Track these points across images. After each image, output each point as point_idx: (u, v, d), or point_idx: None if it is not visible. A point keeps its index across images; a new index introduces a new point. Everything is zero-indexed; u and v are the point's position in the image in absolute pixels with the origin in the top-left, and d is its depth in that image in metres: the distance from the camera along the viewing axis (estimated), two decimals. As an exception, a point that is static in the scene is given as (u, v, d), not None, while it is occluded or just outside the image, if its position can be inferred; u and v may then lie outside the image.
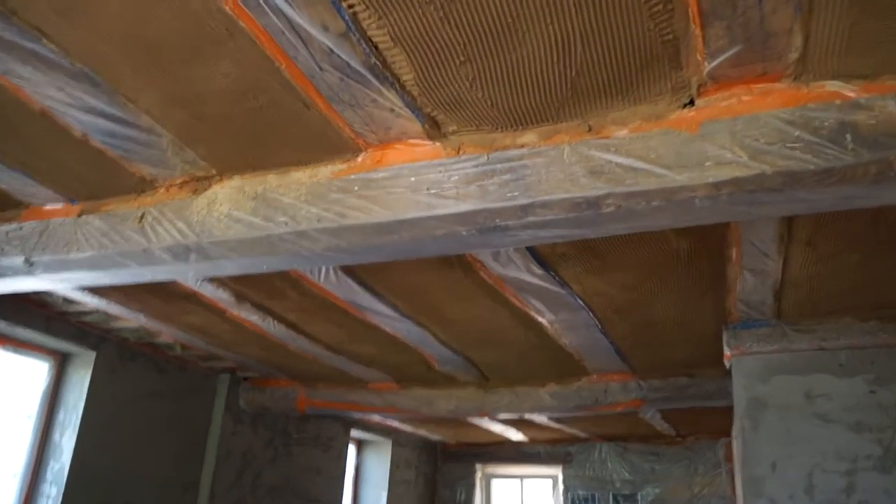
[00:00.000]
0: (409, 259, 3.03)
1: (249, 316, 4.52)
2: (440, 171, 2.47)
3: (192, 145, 2.65)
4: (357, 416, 7.75)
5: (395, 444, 9.46)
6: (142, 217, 2.94)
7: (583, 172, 2.33)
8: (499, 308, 4.20)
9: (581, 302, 4.04)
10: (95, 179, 2.93)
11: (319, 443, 7.65)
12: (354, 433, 8.57)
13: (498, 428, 9.03)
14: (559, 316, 4.22)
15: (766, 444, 4.23)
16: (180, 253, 2.85)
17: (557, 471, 10.32)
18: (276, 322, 4.62)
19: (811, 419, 4.22)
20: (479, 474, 10.76)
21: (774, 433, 4.24)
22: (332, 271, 3.72)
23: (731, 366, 4.61)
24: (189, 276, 2.99)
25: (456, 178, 2.45)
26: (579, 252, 3.41)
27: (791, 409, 4.26)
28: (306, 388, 6.53)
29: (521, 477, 10.82)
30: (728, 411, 8.25)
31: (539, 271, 3.60)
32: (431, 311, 4.30)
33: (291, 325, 4.73)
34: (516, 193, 2.37)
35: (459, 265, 3.61)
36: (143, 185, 2.95)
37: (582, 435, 9.58)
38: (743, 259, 3.51)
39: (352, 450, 8.99)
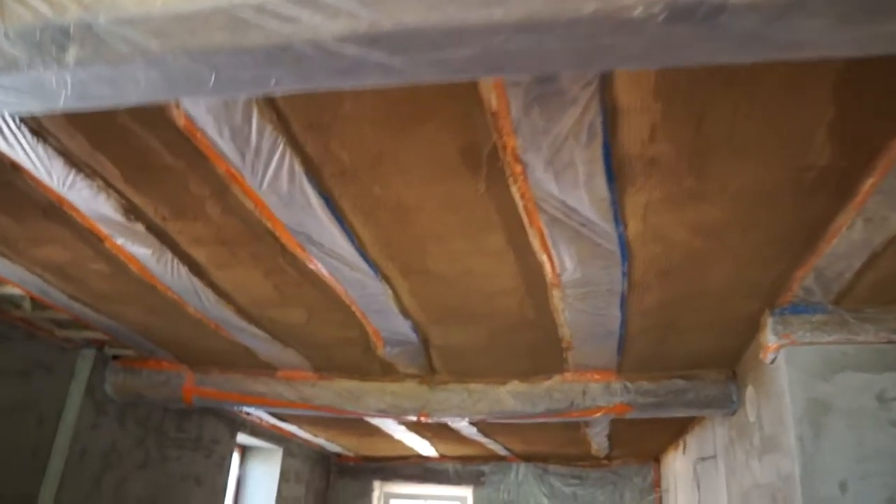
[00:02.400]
0: (485, 77, 1.82)
1: (138, 248, 3.11)
2: None
3: None
4: (256, 412, 6.34)
5: (287, 454, 8.02)
6: (-23, -18, 1.58)
7: None
8: (507, 256, 3.02)
9: (625, 253, 2.93)
10: None
11: (201, 446, 6.15)
12: (241, 437, 7.09)
13: (410, 439, 7.79)
14: (585, 273, 3.08)
15: (834, 458, 3.25)
16: (48, 43, 1.50)
17: (467, 492, 9.17)
18: (177, 261, 3.23)
19: (888, 429, 3.28)
20: (377, 493, 9.44)
21: (843, 444, 3.27)
22: (285, 169, 2.42)
23: (774, 359, 3.63)
24: (61, 102, 1.64)
25: None
26: (679, 160, 2.29)
27: (862, 414, 3.31)
28: (196, 374, 5.08)
29: (426, 498, 9.58)
30: (669, 431, 7.41)
31: (602, 192, 2.46)
32: (410, 255, 3.05)
33: (198, 270, 3.36)
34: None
35: (488, 170, 2.40)
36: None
37: (502, 452, 8.48)
38: (871, 198, 2.51)
39: (235, 458, 7.50)
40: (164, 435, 5.63)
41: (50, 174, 2.56)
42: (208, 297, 3.62)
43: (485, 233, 2.81)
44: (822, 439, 3.31)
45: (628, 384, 4.62)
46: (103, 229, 2.99)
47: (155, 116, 2.21)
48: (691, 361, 4.55)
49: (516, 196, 2.55)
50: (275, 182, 2.49)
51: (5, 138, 2.32)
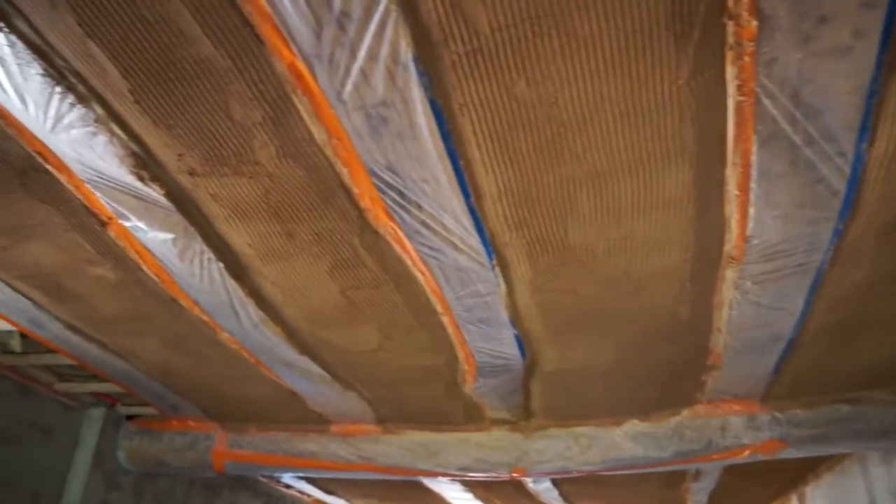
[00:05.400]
0: None
1: (155, 233, 2.21)
2: None
3: None
4: (298, 484, 5.32)
5: (332, 535, 6.92)
6: None
7: None
8: (685, 209, 2.08)
9: (851, 194, 1.99)
10: None
11: (235, 528, 5.13)
12: (281, 516, 6.03)
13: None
14: (784, 234, 2.14)
15: None
16: None
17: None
18: (208, 254, 2.31)
19: None
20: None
21: None
22: (383, 54, 1.53)
23: None
24: None
25: None
26: None
27: None
28: (229, 433, 4.11)
29: (488, 579, 8.35)
30: (778, 483, 6.28)
31: (866, 67, 1.56)
32: (550, 215, 2.09)
33: (237, 268, 2.44)
34: None
35: (702, 35, 1.51)
36: None
37: (577, 520, 7.33)
38: None
39: (273, 541, 6.40)
40: (191, 513, 4.63)
41: (23, 98, 1.69)
42: (249, 312, 2.70)
43: (668, 163, 1.89)
44: None
45: (778, 415, 3.61)
46: (105, 203, 2.10)
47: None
48: (855, 380, 3.54)
49: (730, 87, 1.65)
50: (364, 83, 1.61)
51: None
